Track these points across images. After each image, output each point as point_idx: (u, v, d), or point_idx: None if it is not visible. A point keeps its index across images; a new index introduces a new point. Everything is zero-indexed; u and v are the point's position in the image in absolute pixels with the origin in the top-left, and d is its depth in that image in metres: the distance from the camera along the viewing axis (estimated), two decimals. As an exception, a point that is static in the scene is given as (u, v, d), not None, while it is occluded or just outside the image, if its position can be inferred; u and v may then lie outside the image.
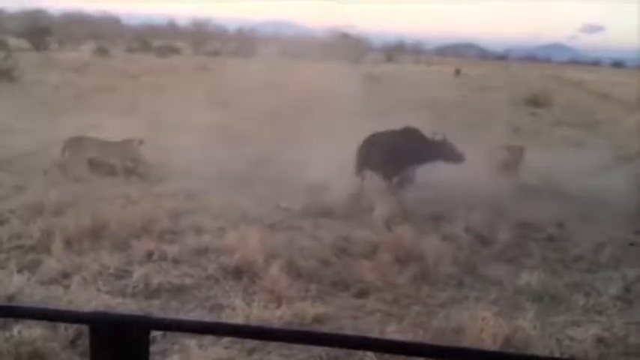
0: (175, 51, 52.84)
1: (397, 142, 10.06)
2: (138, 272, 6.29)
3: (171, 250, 6.96)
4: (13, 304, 4.77)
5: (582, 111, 22.02)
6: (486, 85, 25.75)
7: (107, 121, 12.51)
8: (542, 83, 26.28)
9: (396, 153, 9.95)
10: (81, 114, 15.04)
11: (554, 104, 23.13)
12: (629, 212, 9.63)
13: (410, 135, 10.19)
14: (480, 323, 5.24)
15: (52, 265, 6.33)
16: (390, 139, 10.15)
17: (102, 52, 43.91)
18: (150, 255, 6.82)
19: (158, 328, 1.24)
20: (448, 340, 4.86)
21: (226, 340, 4.83)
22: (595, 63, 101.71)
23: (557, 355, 4.87)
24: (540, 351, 4.93)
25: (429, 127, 10.50)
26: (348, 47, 43.59)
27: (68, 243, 6.92)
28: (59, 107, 16.66)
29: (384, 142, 10.12)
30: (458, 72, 39.99)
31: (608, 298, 6.48)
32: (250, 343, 4.84)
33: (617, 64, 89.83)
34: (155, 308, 5.66)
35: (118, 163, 10.61)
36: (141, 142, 10.74)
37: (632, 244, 8.32)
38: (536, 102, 22.93)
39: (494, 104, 22.00)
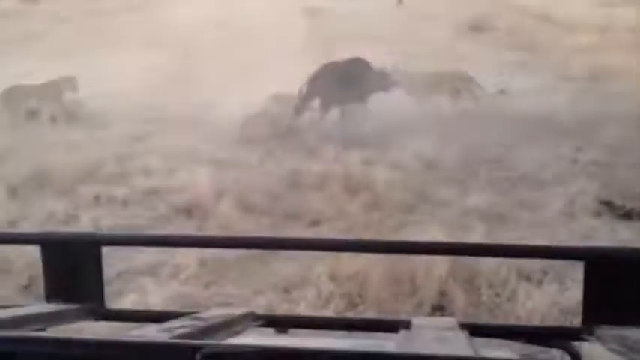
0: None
1: (346, 72, 10.13)
2: (86, 216, 6.21)
3: (120, 192, 6.87)
4: None
5: (525, 34, 22.19)
6: (429, 12, 25.62)
7: (42, 67, 12.03)
8: (485, 8, 26.32)
9: (344, 82, 10.01)
10: (14, 62, 14.43)
11: (497, 29, 23.21)
12: (571, 130, 9.84)
13: (357, 65, 10.31)
14: (431, 243, 5.33)
15: (-4, 214, 6.20)
16: (340, 69, 10.22)
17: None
18: (97, 199, 6.73)
19: (109, 244, 1.23)
20: (400, 259, 4.96)
21: (183, 275, 4.85)
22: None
23: (504, 266, 5.04)
24: (489, 265, 5.08)
25: (377, 61, 10.56)
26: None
27: (12, 191, 6.76)
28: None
29: (335, 71, 10.17)
30: (400, 0, 39.63)
31: (552, 213, 6.70)
32: (206, 277, 4.88)
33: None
34: (107, 250, 5.60)
35: (43, 105, 10.31)
36: (68, 80, 10.43)
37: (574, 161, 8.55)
38: (479, 27, 22.94)
39: (439, 33, 21.96)
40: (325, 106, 10.18)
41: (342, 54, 11.22)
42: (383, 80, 10.38)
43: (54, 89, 10.40)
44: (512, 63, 15.41)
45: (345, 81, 10.02)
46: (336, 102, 10.12)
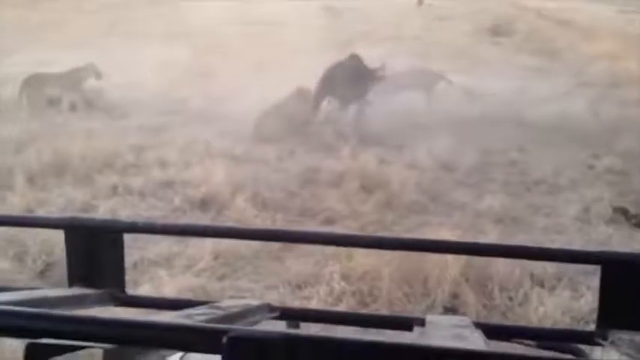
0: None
1: (351, 69, 10.20)
2: (104, 206, 6.28)
3: (136, 183, 6.94)
4: None
5: (543, 38, 22.06)
6: (449, 14, 25.57)
7: (62, 57, 12.14)
8: (504, 11, 26.20)
9: (351, 79, 10.07)
10: (33, 51, 14.57)
11: (516, 32, 23.10)
12: (588, 136, 9.78)
13: (356, 62, 10.39)
14: (444, 245, 5.35)
15: (15, 201, 6.29)
16: (347, 66, 10.29)
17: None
18: (115, 189, 6.80)
19: (131, 231, 1.25)
20: (412, 261, 4.99)
21: (197, 268, 4.90)
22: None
23: (517, 271, 5.05)
24: (502, 269, 5.08)
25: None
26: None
27: (31, 179, 6.85)
28: (9, 44, 16.08)
29: (344, 69, 10.24)
30: (420, 2, 39.53)
31: (567, 219, 6.68)
32: (220, 270, 4.92)
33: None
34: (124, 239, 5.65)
35: (64, 94, 10.42)
36: (90, 67, 10.58)
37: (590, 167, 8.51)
38: (498, 31, 22.83)
39: (458, 35, 21.89)
40: (339, 102, 10.26)
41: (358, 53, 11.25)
42: (374, 77, 10.45)
43: (74, 78, 10.53)
44: (530, 67, 15.35)
45: (351, 78, 10.10)
46: (345, 99, 10.21)
